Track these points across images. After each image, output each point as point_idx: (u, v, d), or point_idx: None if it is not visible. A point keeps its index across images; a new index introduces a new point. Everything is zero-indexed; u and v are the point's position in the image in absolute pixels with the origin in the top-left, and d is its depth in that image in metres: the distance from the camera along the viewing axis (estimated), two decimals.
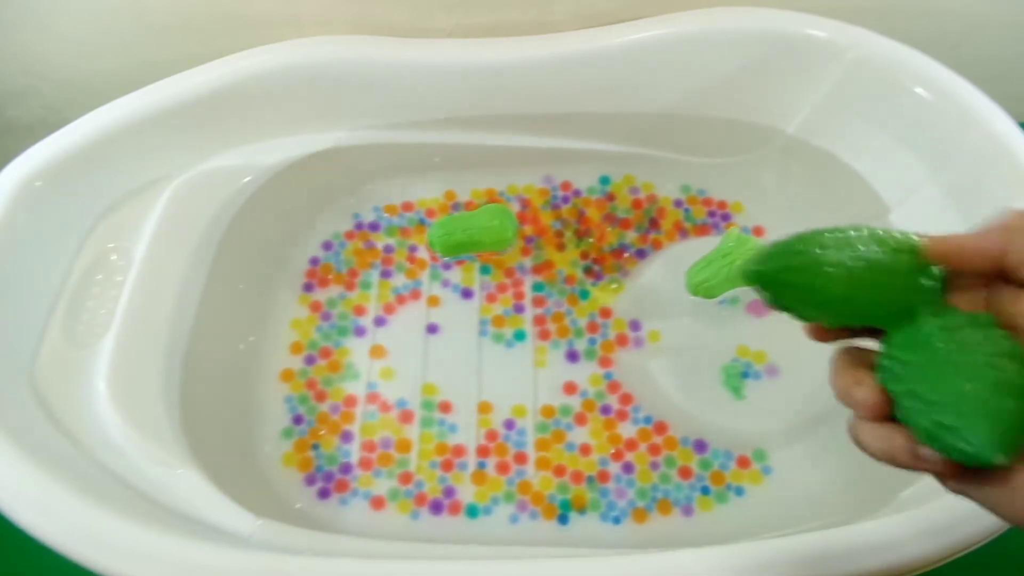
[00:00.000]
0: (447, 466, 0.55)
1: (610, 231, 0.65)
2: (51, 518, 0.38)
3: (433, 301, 0.62)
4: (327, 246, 0.64)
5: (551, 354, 0.60)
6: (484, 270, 0.64)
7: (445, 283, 0.63)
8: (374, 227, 0.65)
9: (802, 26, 0.55)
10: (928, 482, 0.44)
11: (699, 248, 0.59)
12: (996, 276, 0.24)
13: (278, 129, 0.58)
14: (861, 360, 0.25)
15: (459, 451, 0.56)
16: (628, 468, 0.55)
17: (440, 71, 0.56)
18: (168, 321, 0.49)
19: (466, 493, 0.54)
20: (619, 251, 0.65)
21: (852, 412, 0.25)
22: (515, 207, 0.66)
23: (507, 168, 0.66)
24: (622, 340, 0.61)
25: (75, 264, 0.50)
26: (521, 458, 0.56)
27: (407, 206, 0.66)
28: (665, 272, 0.62)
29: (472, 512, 0.54)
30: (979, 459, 0.20)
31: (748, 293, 0.60)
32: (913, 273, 0.24)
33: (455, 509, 0.54)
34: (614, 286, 0.63)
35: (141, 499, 0.42)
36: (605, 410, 0.58)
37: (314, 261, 0.64)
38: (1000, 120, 0.50)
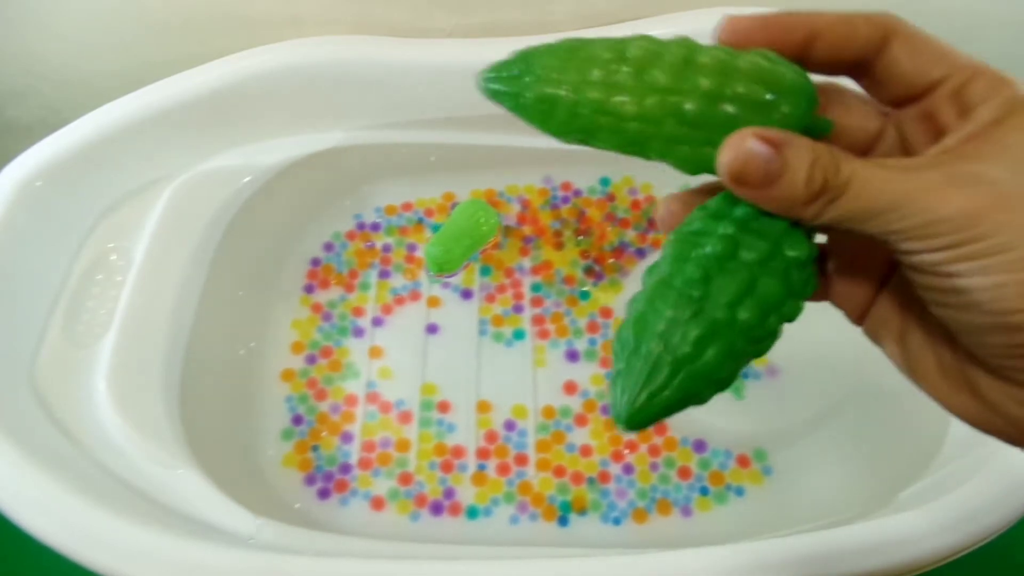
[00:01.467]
0: (447, 467, 0.55)
1: (610, 231, 0.65)
2: (51, 518, 0.38)
3: (433, 301, 0.62)
4: (328, 247, 0.64)
5: (551, 354, 0.60)
6: (484, 270, 0.64)
7: (444, 283, 0.63)
8: (375, 227, 0.65)
9: None
10: (929, 482, 0.44)
11: None
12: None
13: (278, 129, 0.58)
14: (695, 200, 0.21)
15: (459, 452, 0.56)
16: (628, 469, 0.55)
17: (440, 71, 0.56)
18: (168, 321, 0.49)
19: (466, 494, 0.54)
20: (619, 250, 0.65)
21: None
22: (515, 207, 0.66)
23: (507, 168, 0.66)
24: None
25: (75, 264, 0.50)
26: (521, 459, 0.56)
27: (407, 206, 0.66)
28: None
29: (472, 513, 0.54)
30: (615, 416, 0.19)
31: None
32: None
33: (455, 510, 0.54)
34: (613, 284, 0.63)
35: (141, 499, 0.42)
36: (605, 410, 0.58)
37: (315, 262, 0.64)
38: None
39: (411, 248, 0.65)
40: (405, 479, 0.55)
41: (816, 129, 0.20)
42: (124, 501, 0.41)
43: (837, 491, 0.52)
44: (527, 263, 0.64)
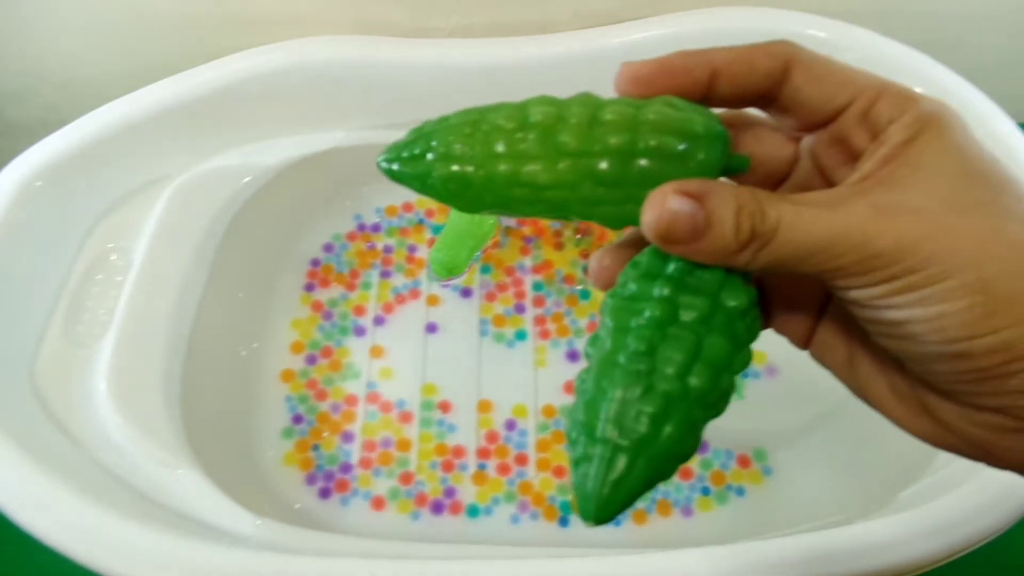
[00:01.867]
0: (447, 467, 0.55)
1: (610, 230, 0.65)
2: (51, 518, 0.38)
3: (433, 300, 0.62)
4: (328, 247, 0.64)
5: (552, 354, 0.60)
6: (484, 269, 0.64)
7: (444, 283, 0.63)
8: (375, 228, 0.65)
9: (802, 26, 0.55)
10: (928, 482, 0.44)
11: None
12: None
13: (278, 129, 0.58)
14: (626, 254, 0.21)
15: (459, 451, 0.56)
16: None
17: (440, 71, 0.56)
18: (168, 321, 0.49)
19: (467, 494, 0.54)
20: None
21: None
22: None
23: None
24: None
25: (75, 264, 0.50)
26: (522, 459, 0.56)
27: (407, 206, 0.66)
28: None
29: (473, 512, 0.54)
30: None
31: None
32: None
33: (456, 509, 0.54)
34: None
35: (141, 499, 0.42)
36: None
37: (315, 262, 0.64)
38: (1000, 120, 0.50)
39: (412, 249, 0.65)
40: (406, 479, 0.55)
41: (733, 167, 0.19)
42: (124, 501, 0.41)
43: (837, 491, 0.52)
44: (527, 262, 0.64)
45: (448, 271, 0.60)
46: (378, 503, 0.54)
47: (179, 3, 0.55)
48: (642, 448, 0.17)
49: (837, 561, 0.36)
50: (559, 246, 0.65)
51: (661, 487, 0.54)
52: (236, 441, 0.54)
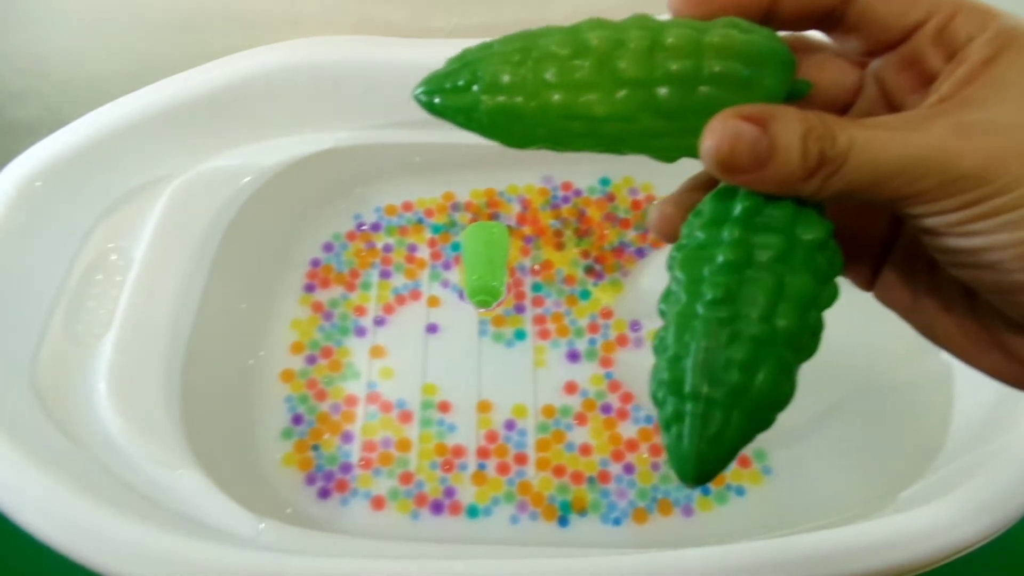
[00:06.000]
0: (447, 466, 0.55)
1: (610, 231, 0.65)
2: (51, 518, 0.38)
3: (433, 301, 0.62)
4: (328, 247, 0.64)
5: (551, 354, 0.60)
6: None
7: (445, 283, 0.63)
8: (375, 228, 0.65)
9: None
10: (929, 482, 0.44)
11: None
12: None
13: (278, 129, 0.58)
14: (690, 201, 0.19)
15: (459, 451, 0.56)
16: (629, 468, 0.55)
17: None
18: (168, 321, 0.49)
19: (466, 494, 0.54)
20: (619, 250, 0.65)
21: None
22: (515, 207, 0.66)
23: (506, 168, 0.66)
24: (623, 340, 0.61)
25: (75, 264, 0.50)
26: (521, 459, 0.56)
27: (407, 206, 0.66)
28: (665, 272, 0.62)
29: (472, 513, 0.54)
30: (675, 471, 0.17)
31: None
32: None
33: (455, 510, 0.54)
34: (613, 283, 0.63)
35: (141, 499, 0.42)
36: (606, 409, 0.58)
37: (315, 262, 0.64)
38: None
39: (411, 248, 0.65)
40: (406, 479, 0.55)
41: (794, 94, 0.18)
42: (124, 501, 0.41)
43: (837, 491, 0.52)
44: (527, 263, 0.64)
45: (492, 296, 0.59)
46: (378, 503, 0.54)
47: (180, 3, 0.55)
48: (736, 399, 0.16)
49: (837, 561, 0.37)
50: (559, 246, 0.65)
51: (661, 486, 0.54)
52: (236, 441, 0.54)
